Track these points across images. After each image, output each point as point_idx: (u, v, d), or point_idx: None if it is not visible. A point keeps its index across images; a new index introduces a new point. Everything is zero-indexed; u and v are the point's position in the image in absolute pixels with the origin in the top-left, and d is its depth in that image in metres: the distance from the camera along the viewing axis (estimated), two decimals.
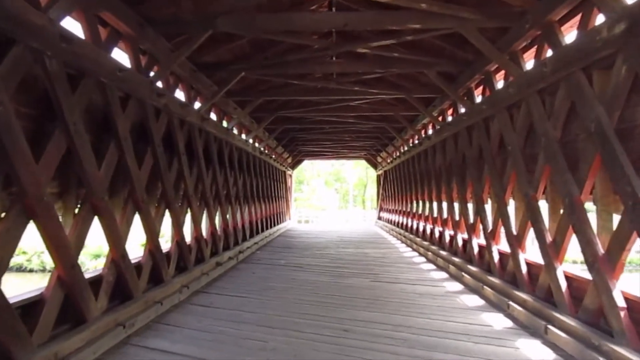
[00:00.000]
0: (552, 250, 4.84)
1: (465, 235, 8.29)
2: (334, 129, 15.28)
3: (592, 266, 4.08)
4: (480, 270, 6.99)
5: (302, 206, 42.68)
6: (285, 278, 7.88)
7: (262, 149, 14.61)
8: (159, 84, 6.06)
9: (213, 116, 9.36)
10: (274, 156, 17.43)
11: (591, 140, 4.15)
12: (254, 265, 9.43)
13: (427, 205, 11.76)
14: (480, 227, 7.38)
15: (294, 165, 24.44)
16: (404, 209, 15.67)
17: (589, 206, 4.57)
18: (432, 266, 9.27)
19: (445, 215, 9.90)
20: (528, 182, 5.41)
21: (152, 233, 5.90)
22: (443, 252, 9.34)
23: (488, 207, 7.27)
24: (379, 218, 23.01)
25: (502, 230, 6.54)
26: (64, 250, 3.96)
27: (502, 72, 6.69)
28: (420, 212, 12.69)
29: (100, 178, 4.58)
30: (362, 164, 48.69)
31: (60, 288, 3.98)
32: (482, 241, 7.36)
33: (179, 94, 7.32)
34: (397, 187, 17.25)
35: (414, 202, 13.67)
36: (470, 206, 8.18)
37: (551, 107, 5.03)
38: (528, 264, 5.63)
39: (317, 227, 23.48)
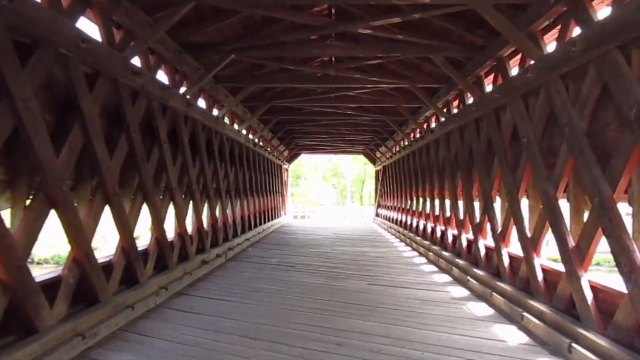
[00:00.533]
0: (576, 256, 4.25)
1: (471, 236, 7.71)
2: (332, 121, 14.65)
3: (628, 276, 3.49)
4: (488, 275, 6.40)
5: (299, 201, 42.06)
6: (276, 279, 7.28)
7: (256, 140, 13.98)
8: (136, 61, 5.42)
9: (202, 103, 8.74)
10: (269, 149, 16.81)
11: (629, 128, 3.56)
12: (243, 264, 8.83)
13: (429, 202, 11.17)
14: (488, 227, 6.79)
15: (290, 159, 23.81)
16: (404, 206, 15.08)
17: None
18: (433, 268, 8.68)
19: (448, 213, 9.31)
20: (547, 178, 4.82)
21: (125, 228, 5.29)
22: (445, 253, 8.75)
23: (497, 205, 6.68)
24: (377, 215, 22.43)
25: (512, 231, 5.99)
26: (7, 249, 3.34)
27: (517, 58, 6.11)
28: (420, 209, 12.10)
29: (57, 165, 3.96)
30: (360, 159, 48.07)
31: (2, 293, 3.37)
32: (490, 242, 6.77)
33: (162, 77, 6.70)
34: (396, 183, 16.66)
35: (415, 199, 13.08)
36: (476, 204, 7.59)
37: (576, 94, 4.43)
38: (544, 270, 5.04)
39: (314, 223, 22.89)
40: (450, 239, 8.97)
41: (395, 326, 4.79)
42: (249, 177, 13.17)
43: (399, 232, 14.61)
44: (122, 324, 4.62)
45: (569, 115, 4.38)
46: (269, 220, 16.69)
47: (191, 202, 7.97)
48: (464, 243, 8.00)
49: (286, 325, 4.75)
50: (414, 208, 13.07)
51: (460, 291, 6.58)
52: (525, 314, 4.83)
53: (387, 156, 18.45)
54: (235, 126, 11.40)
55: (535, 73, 4.94)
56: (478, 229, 7.19)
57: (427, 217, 11.26)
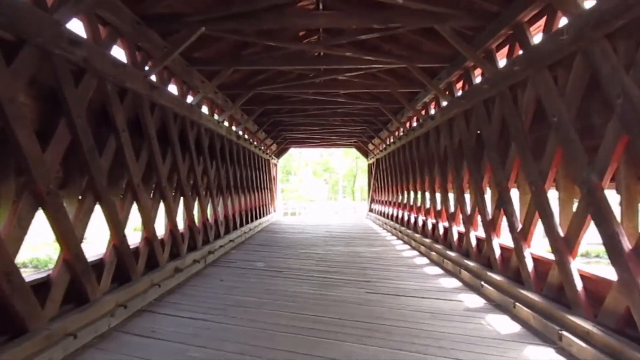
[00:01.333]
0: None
1: (481, 233, 6.79)
2: (322, 110, 13.64)
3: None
4: (507, 280, 5.47)
5: (289, 198, 41.09)
6: (259, 288, 6.30)
7: (239, 132, 12.96)
8: (72, 28, 4.35)
9: (174, 90, 7.72)
10: (255, 142, 15.79)
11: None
12: (224, 270, 7.84)
13: (429, 196, 10.25)
14: (504, 223, 5.86)
15: (279, 154, 22.80)
16: (400, 201, 14.17)
17: None
18: (438, 270, 7.75)
19: (452, 208, 8.38)
20: (588, 165, 3.88)
21: (67, 236, 4.27)
22: (451, 253, 7.82)
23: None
24: (371, 210, 21.51)
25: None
26: None
27: (539, 24, 5.15)
28: (419, 204, 11.17)
29: None
30: (351, 153, 47.17)
31: None
32: (507, 242, 5.85)
33: (119, 55, 5.66)
34: (391, 177, 15.73)
35: (412, 193, 12.16)
36: (487, 197, 6.67)
37: (630, 58, 3.50)
38: (583, 277, 4.13)
39: (305, 220, 21.91)
40: (455, 236, 8.05)
41: (403, 352, 3.84)
42: (233, 173, 12.17)
43: (395, 228, 13.70)
44: (58, 359, 3.64)
45: (622, 83, 3.44)
46: (256, 219, 15.70)
47: (162, 202, 6.97)
48: (473, 242, 7.08)
49: (267, 353, 3.79)
50: (412, 203, 12.16)
51: (474, 300, 5.65)
52: (565, 333, 3.89)
53: (381, 148, 17.51)
54: (216, 117, 10.39)
55: (573, 34, 3.98)
56: (491, 226, 6.26)
57: (427, 213, 10.34)
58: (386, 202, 17.12)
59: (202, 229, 8.98)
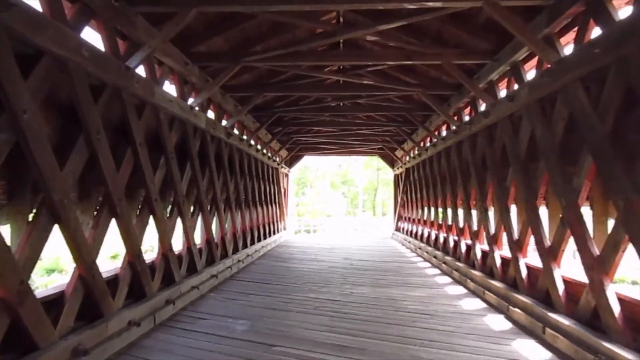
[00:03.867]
0: None
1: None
2: (340, 114, 10.81)
3: None
4: None
5: (304, 212, 38.06)
6: None
7: (236, 132, 10.06)
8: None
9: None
10: (259, 146, 12.82)
11: None
12: (177, 339, 4.78)
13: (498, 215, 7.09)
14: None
15: (291, 163, 19.79)
16: (440, 221, 11.00)
17: None
18: (539, 347, 4.56)
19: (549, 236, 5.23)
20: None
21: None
22: (566, 322, 4.63)
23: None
24: (397, 229, 18.28)
25: None
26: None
27: None
28: (479, 228, 7.96)
29: None
30: (372, 164, 44.08)
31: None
32: None
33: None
34: (427, 189, 12.56)
35: (460, 211, 8.98)
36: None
37: None
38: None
39: (320, 240, 18.69)
40: (561, 289, 4.87)
41: None
42: (222, 182, 9.19)
43: (435, 257, 10.50)
44: None
45: None
46: (258, 241, 12.66)
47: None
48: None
49: None
50: (462, 225, 8.99)
51: None
52: None
53: (413, 154, 14.38)
54: (211, 114, 7.61)
55: None
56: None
57: (494, 241, 7.14)
58: (419, 220, 13.92)
59: (162, 264, 6.02)
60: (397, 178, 19.29)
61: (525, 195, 5.68)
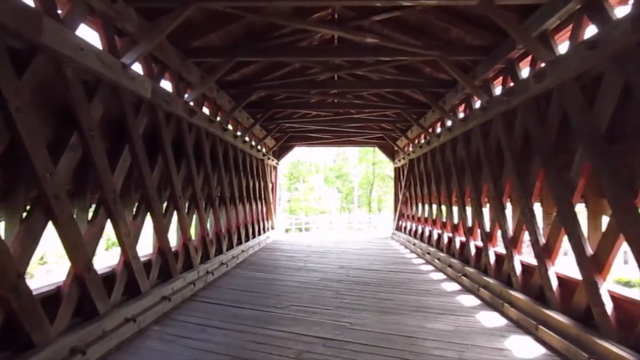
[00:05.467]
0: None
1: None
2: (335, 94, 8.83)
3: None
4: None
5: (297, 208, 36.10)
6: None
7: (206, 111, 8.08)
8: None
9: None
10: (239, 132, 10.83)
11: None
12: None
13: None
14: None
15: (280, 154, 17.80)
16: (455, 222, 9.12)
17: None
18: None
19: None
20: None
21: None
22: None
23: None
24: (398, 228, 16.38)
25: None
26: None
27: None
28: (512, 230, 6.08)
29: None
30: (368, 158, 42.13)
31: None
32: None
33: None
34: (438, 183, 10.63)
35: (498, 209, 7.08)
36: None
37: None
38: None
39: (311, 240, 16.68)
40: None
41: None
42: (183, 175, 7.22)
43: (450, 266, 8.60)
44: None
45: None
46: (239, 244, 10.71)
47: None
48: None
49: None
50: (489, 228, 7.08)
51: None
52: None
53: (419, 143, 12.45)
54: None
55: None
56: None
57: (549, 255, 5.22)
58: (426, 220, 12.01)
59: (75, 288, 4.11)
60: (398, 172, 17.35)
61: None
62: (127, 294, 5.17)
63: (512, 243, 6.08)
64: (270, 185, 16.32)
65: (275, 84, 8.79)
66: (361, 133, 15.62)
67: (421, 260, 10.62)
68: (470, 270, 7.49)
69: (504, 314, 5.64)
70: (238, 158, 11.00)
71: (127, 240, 5.09)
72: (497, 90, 7.02)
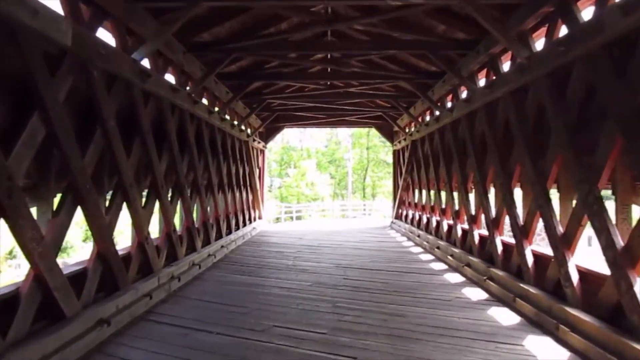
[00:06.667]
0: None
1: None
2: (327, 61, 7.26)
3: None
4: None
5: (288, 195, 34.59)
6: None
7: (171, 80, 6.53)
8: None
9: None
10: (216, 108, 9.25)
11: None
12: None
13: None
14: None
15: (267, 136, 16.22)
16: (472, 211, 7.68)
17: None
18: None
19: None
20: None
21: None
22: None
23: None
24: (398, 217, 14.95)
25: None
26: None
27: None
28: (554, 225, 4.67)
29: None
30: (361, 142, 40.60)
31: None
32: None
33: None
34: (448, 166, 9.15)
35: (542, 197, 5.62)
36: None
37: None
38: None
39: (303, 230, 15.18)
40: None
41: None
42: (137, 155, 5.66)
43: (468, 265, 7.17)
44: None
45: None
46: (218, 238, 9.22)
47: None
48: None
49: None
50: (527, 220, 5.63)
51: None
52: None
53: (425, 121, 10.94)
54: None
55: None
56: None
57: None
58: (432, 209, 10.56)
59: None
60: (397, 155, 15.84)
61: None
62: (41, 321, 3.68)
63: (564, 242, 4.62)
64: (257, 171, 14.78)
65: (257, 43, 7.15)
66: (357, 111, 14.04)
67: (430, 256, 9.17)
68: (498, 273, 6.05)
69: (560, 340, 4.20)
70: (216, 138, 9.44)
71: (37, 249, 3.57)
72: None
